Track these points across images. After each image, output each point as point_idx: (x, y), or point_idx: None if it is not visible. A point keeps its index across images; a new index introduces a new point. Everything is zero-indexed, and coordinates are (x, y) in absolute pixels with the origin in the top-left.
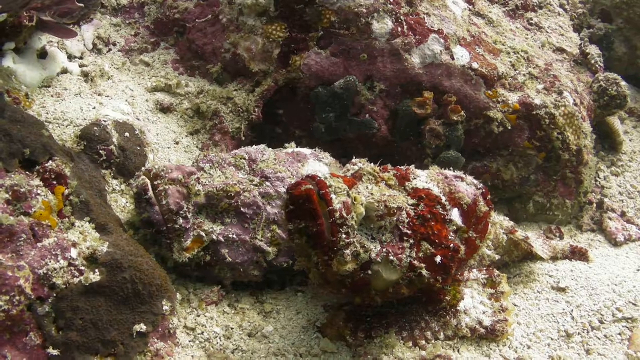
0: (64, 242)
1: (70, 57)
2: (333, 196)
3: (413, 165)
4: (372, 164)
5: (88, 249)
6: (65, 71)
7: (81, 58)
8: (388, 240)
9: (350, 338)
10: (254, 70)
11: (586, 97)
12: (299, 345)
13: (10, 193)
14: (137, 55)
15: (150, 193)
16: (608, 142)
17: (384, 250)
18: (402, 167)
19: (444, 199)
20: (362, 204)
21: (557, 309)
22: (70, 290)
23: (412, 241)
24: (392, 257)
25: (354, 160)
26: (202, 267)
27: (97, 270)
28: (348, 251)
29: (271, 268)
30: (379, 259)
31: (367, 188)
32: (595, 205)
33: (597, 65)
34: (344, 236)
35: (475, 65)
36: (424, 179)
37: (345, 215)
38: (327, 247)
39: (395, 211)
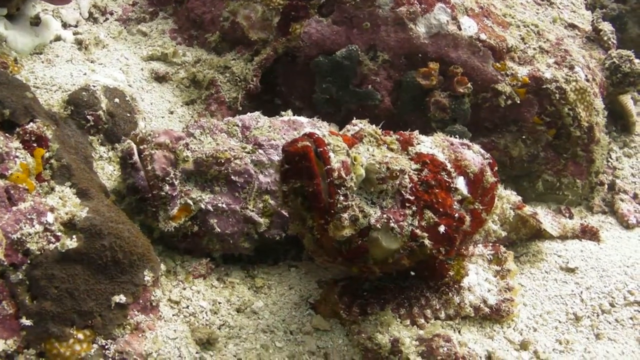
0: (40, 206)
1: (65, 25)
2: (331, 154)
3: (417, 131)
4: (374, 126)
5: (66, 214)
6: (58, 39)
7: (76, 26)
8: (389, 205)
9: (344, 313)
10: (253, 38)
11: (598, 74)
12: (289, 322)
13: None
14: (135, 25)
15: (136, 157)
16: (620, 123)
17: (384, 216)
18: (406, 132)
19: (449, 165)
20: (362, 165)
21: (566, 290)
22: (45, 256)
23: (414, 208)
24: (392, 224)
25: (354, 121)
26: (189, 238)
27: (74, 236)
28: (345, 215)
29: (263, 240)
30: (378, 225)
31: (368, 150)
32: (606, 186)
33: (610, 42)
34: (341, 198)
35: (483, 37)
36: (429, 144)
37: (343, 175)
38: (323, 210)
39: (398, 174)
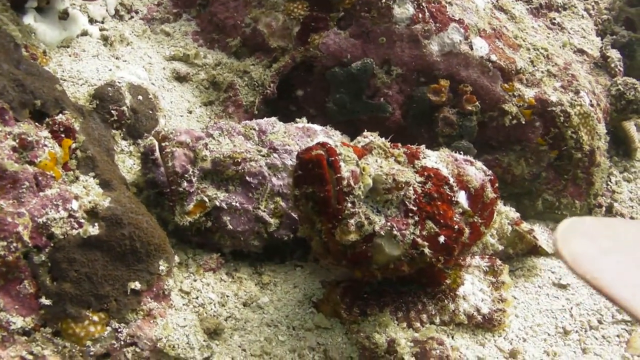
0: (66, 194)
1: (92, 21)
2: (342, 164)
3: (423, 146)
4: (383, 139)
5: (90, 202)
6: (85, 33)
7: (102, 22)
8: (393, 214)
9: (345, 313)
10: (273, 46)
11: (603, 100)
12: (292, 318)
13: (17, 141)
14: (158, 25)
15: (157, 153)
16: (622, 148)
17: (388, 224)
18: (413, 146)
19: (451, 180)
20: (370, 175)
21: (557, 305)
22: (68, 241)
23: (416, 218)
24: (395, 232)
25: (365, 133)
26: (202, 233)
27: (96, 224)
28: (352, 221)
29: (272, 239)
30: (382, 232)
31: (377, 161)
32: (604, 208)
33: (617, 69)
34: (349, 205)
35: (493, 58)
36: (434, 158)
37: (352, 184)
38: (332, 215)
39: (403, 185)
